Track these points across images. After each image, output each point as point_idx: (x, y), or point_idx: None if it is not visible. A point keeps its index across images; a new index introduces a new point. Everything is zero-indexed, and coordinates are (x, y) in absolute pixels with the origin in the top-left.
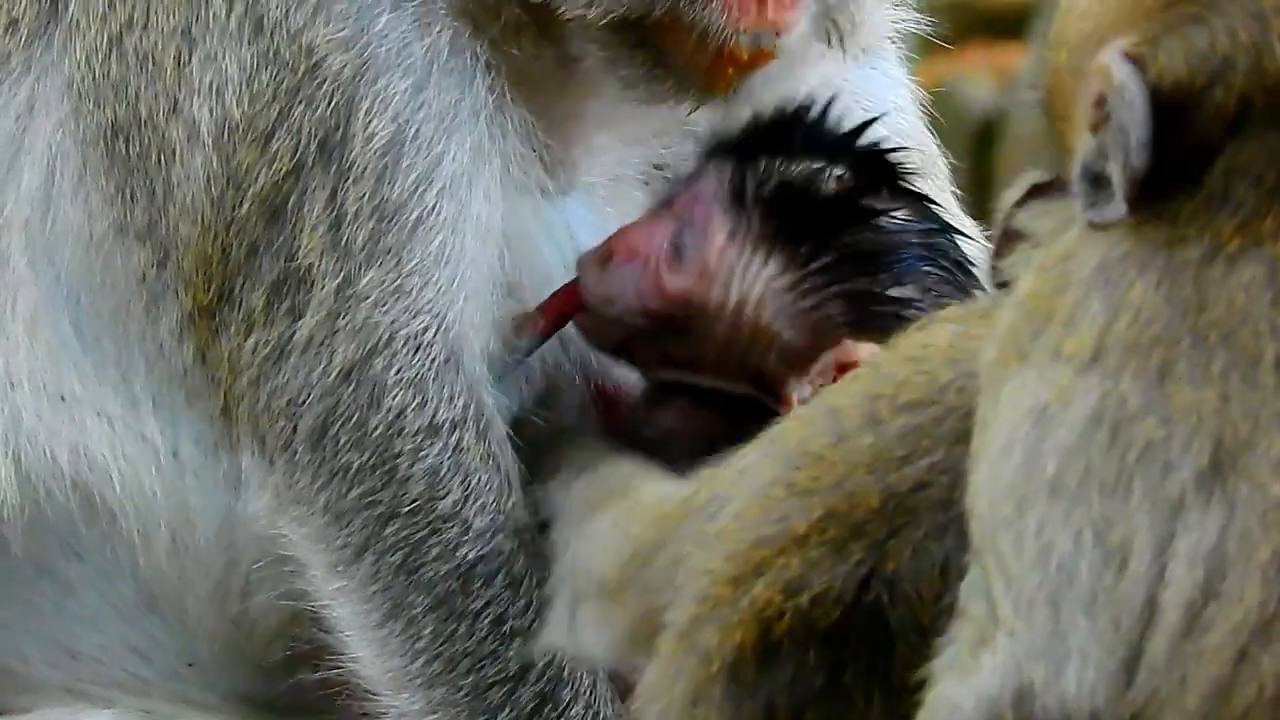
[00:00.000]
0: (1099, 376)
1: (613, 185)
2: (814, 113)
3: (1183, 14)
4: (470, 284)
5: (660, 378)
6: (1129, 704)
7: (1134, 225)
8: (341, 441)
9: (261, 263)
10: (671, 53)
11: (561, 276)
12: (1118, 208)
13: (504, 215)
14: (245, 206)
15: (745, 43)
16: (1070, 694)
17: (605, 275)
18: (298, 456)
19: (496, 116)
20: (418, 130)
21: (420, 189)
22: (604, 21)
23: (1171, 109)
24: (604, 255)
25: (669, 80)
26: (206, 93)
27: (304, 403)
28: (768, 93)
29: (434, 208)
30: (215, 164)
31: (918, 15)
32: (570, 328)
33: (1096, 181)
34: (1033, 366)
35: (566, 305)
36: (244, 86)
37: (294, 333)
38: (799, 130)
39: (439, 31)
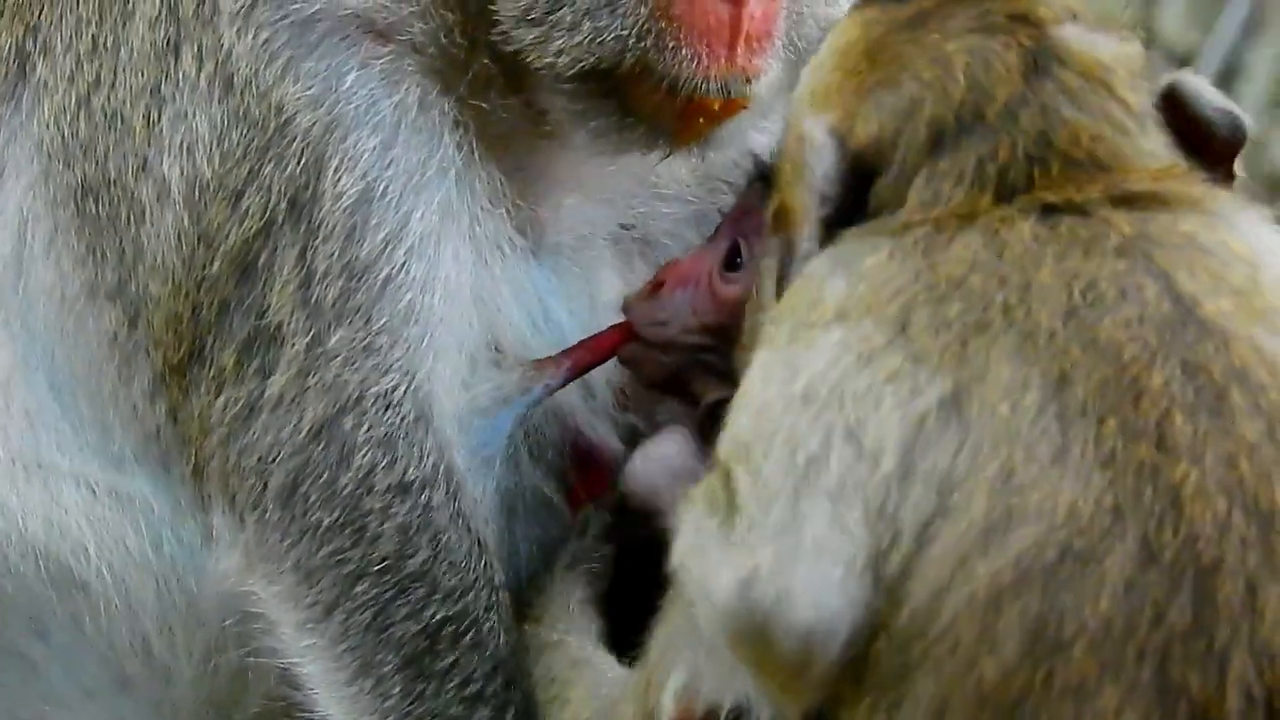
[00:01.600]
0: (843, 326)
1: (580, 245)
2: None
3: (873, 83)
4: (439, 343)
5: (715, 399)
6: (865, 607)
7: (855, 235)
8: (311, 499)
9: (232, 321)
10: (641, 103)
11: (530, 338)
12: (812, 246)
13: (472, 274)
14: (216, 264)
15: (715, 91)
16: (800, 584)
17: (656, 303)
18: (268, 514)
19: (465, 174)
20: (386, 188)
21: (389, 247)
22: (573, 71)
23: (873, 162)
24: (653, 287)
25: (638, 131)
26: (177, 151)
27: (274, 461)
28: (738, 143)
29: (403, 266)
30: (186, 222)
31: None
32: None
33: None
34: (780, 341)
35: (602, 346)
36: (214, 145)
37: (264, 391)
38: None
39: (407, 89)
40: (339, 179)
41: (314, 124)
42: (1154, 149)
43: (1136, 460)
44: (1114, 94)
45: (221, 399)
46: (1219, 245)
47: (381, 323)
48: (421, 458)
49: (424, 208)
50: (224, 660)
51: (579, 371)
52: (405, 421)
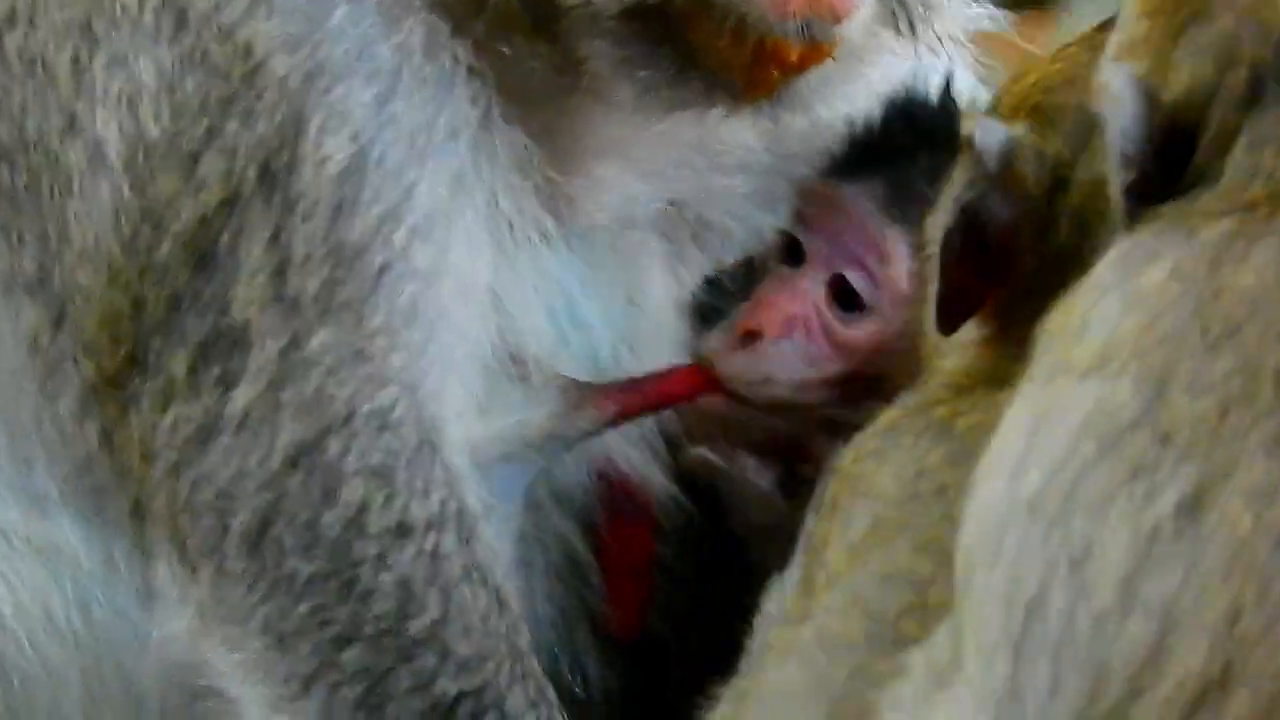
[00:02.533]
0: (1098, 382)
1: (620, 229)
2: (938, 90)
3: (1184, 19)
4: (448, 350)
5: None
6: None
7: (1150, 218)
8: (286, 544)
9: (185, 320)
10: (700, 48)
11: (555, 343)
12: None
13: (490, 264)
14: (165, 248)
15: (794, 35)
16: None
17: (754, 356)
18: (229, 564)
19: (482, 137)
20: (383, 153)
21: (386, 229)
22: (617, 10)
23: (1191, 119)
24: (744, 335)
25: (696, 83)
26: (114, 105)
27: (237, 496)
28: (823, 102)
29: (403, 252)
30: (126, 194)
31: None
32: None
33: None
34: (1036, 380)
35: (667, 394)
36: (163, 97)
37: (225, 407)
38: (927, 113)
39: (410, 29)
40: (323, 141)
41: (291, 71)
42: None
43: None
44: None
45: (170, 417)
46: None
47: (376, 323)
48: (427, 493)
49: (430, 179)
50: None
51: (626, 418)
52: (406, 447)
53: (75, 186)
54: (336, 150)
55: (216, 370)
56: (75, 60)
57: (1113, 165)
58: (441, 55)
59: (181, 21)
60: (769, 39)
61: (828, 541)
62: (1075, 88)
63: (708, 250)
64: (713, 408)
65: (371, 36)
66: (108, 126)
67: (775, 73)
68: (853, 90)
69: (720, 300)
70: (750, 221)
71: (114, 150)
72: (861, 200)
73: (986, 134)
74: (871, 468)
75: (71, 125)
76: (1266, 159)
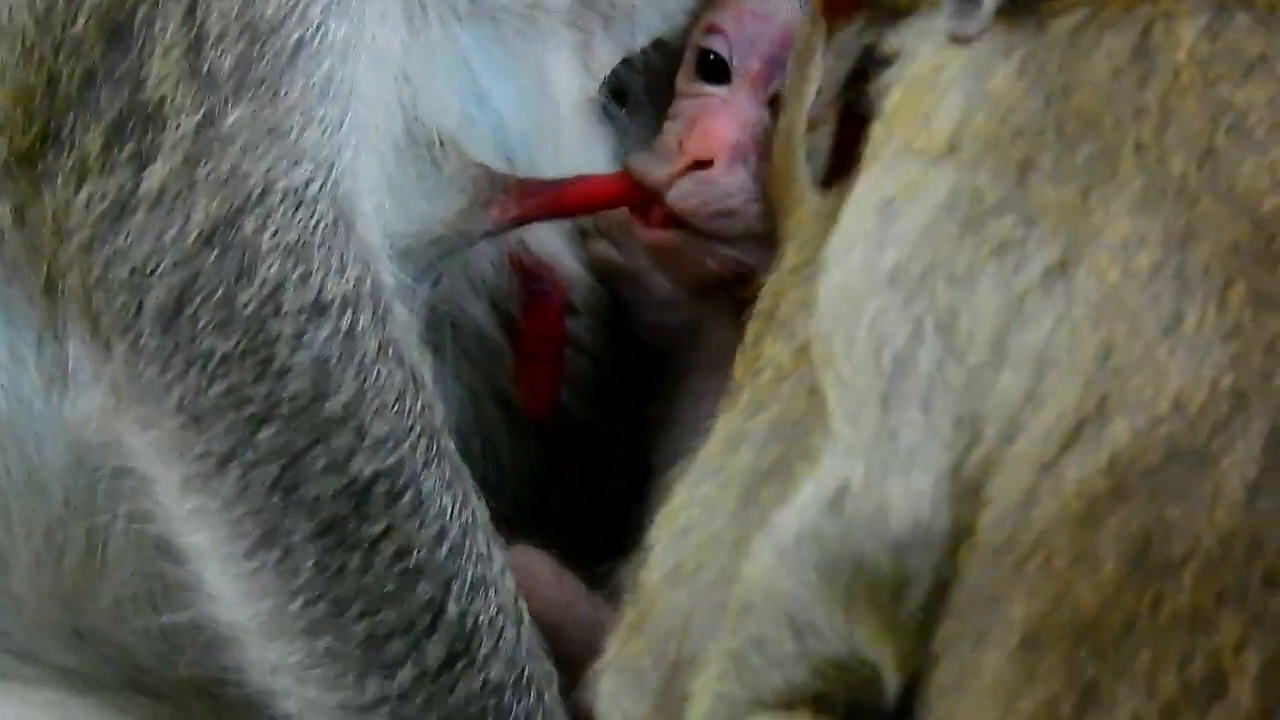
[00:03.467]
0: (953, 168)
1: (527, 13)
2: None
3: None
4: (363, 126)
5: None
6: (952, 518)
7: (1011, 15)
8: (201, 322)
9: (99, 95)
10: None
11: (465, 126)
12: (986, 12)
13: (402, 40)
14: (80, 23)
15: None
16: (895, 497)
17: (711, 187)
18: (143, 341)
19: None
20: None
21: (301, 3)
22: None
23: None
24: (694, 164)
25: None
26: None
27: (152, 272)
28: None
29: (319, 27)
30: None
31: None
32: None
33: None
34: (882, 165)
35: (587, 200)
36: None
37: (140, 183)
38: None
39: None
40: None
41: None
42: None
43: (1267, 335)
44: None
45: (84, 194)
46: None
47: (291, 99)
48: (342, 271)
49: None
50: (74, 534)
51: (538, 219)
52: (321, 225)
53: None
54: None
55: (131, 146)
56: None
57: None
58: None
59: None
60: None
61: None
62: None
63: (618, 38)
64: (668, 248)
65: None
66: None
67: None
68: None
69: (635, 82)
70: (665, 6)
71: None
72: (784, 6)
73: None
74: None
75: None
76: None
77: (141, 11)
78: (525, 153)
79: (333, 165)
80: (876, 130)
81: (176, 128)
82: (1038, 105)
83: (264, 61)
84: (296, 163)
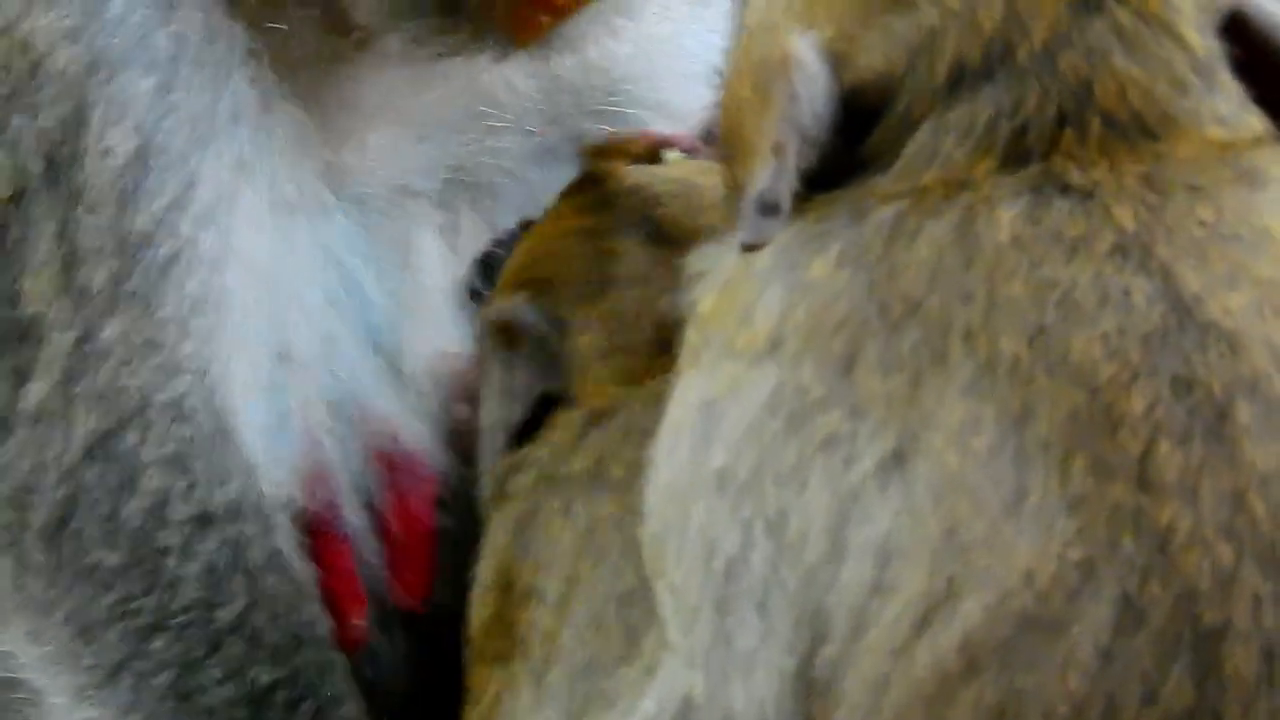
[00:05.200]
0: (775, 365)
1: (394, 196)
2: None
3: (880, 1)
4: (237, 335)
5: None
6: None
7: (818, 205)
8: (87, 536)
9: None
10: None
11: (331, 318)
12: (783, 216)
13: (270, 246)
14: None
15: None
16: (738, 703)
17: None
18: (29, 556)
19: (262, 119)
20: (166, 142)
21: (171, 217)
22: None
23: (874, 101)
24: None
25: (465, 30)
26: None
27: (35, 489)
28: (593, 43)
29: (189, 240)
30: None
31: None
32: None
33: (770, 209)
34: (702, 368)
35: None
36: None
37: (19, 401)
38: None
39: (185, 15)
40: (105, 132)
41: (71, 63)
42: (1220, 110)
43: (1111, 503)
44: (1177, 37)
45: None
46: (1254, 228)
47: (165, 312)
48: (225, 481)
49: (213, 165)
50: None
51: None
52: (201, 435)
53: None
54: (120, 141)
55: (9, 364)
56: None
57: (789, 143)
58: (219, 40)
59: None
60: None
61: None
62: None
63: (484, 214)
64: None
65: (149, 25)
66: None
67: (543, 17)
68: (621, 28)
69: (492, 282)
70: (527, 180)
71: None
72: None
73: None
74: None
75: None
76: (947, 145)
77: (14, 230)
78: (394, 337)
79: (209, 375)
80: (690, 335)
81: (52, 344)
82: (860, 294)
83: (136, 276)
84: (174, 375)
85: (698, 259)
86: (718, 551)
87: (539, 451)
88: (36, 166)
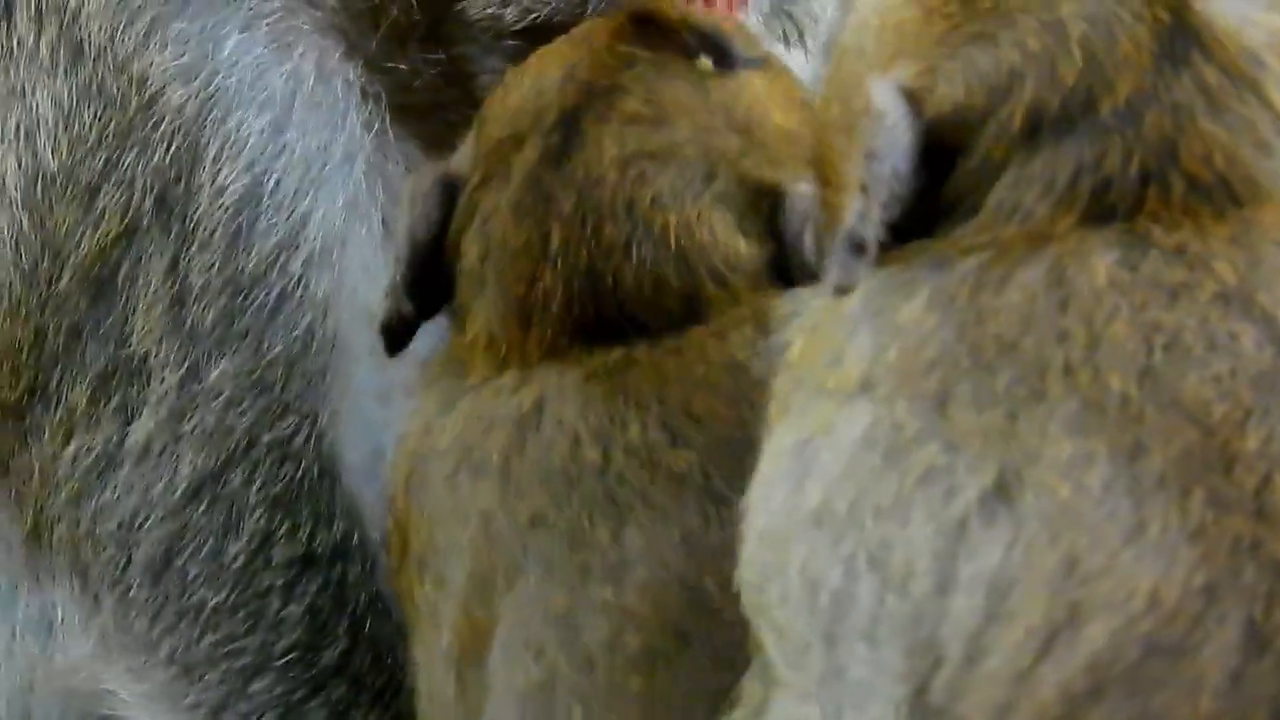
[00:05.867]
0: (868, 403)
1: None
2: None
3: (966, 34)
4: (345, 376)
5: None
6: None
7: (902, 255)
8: (191, 575)
9: (85, 350)
10: None
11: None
12: (869, 256)
13: (380, 287)
14: (65, 279)
15: None
16: None
17: None
18: (133, 593)
19: (375, 160)
20: (279, 182)
21: (283, 257)
22: (519, 26)
23: (954, 139)
24: None
25: None
26: (12, 138)
27: (140, 526)
28: None
29: (300, 280)
30: (25, 226)
31: None
32: None
33: (858, 250)
34: (793, 413)
35: None
36: (61, 129)
37: (126, 438)
38: None
39: (301, 54)
40: (219, 171)
41: (186, 101)
42: None
43: (1231, 534)
44: (1263, 97)
45: (71, 448)
46: None
47: (274, 352)
48: (329, 523)
49: (326, 206)
50: None
51: None
52: (307, 477)
53: None
54: (233, 180)
55: (117, 401)
56: None
57: (875, 195)
58: (334, 80)
59: (78, 54)
60: None
61: None
62: None
63: None
64: None
65: (263, 65)
66: (5, 160)
67: None
68: None
69: None
70: None
71: (12, 183)
72: None
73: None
74: None
75: None
76: (1028, 199)
77: (125, 267)
78: None
79: (318, 417)
80: (781, 383)
81: (161, 382)
82: (950, 336)
83: (246, 315)
84: (281, 415)
85: (789, 300)
86: (822, 587)
87: None
88: (148, 204)
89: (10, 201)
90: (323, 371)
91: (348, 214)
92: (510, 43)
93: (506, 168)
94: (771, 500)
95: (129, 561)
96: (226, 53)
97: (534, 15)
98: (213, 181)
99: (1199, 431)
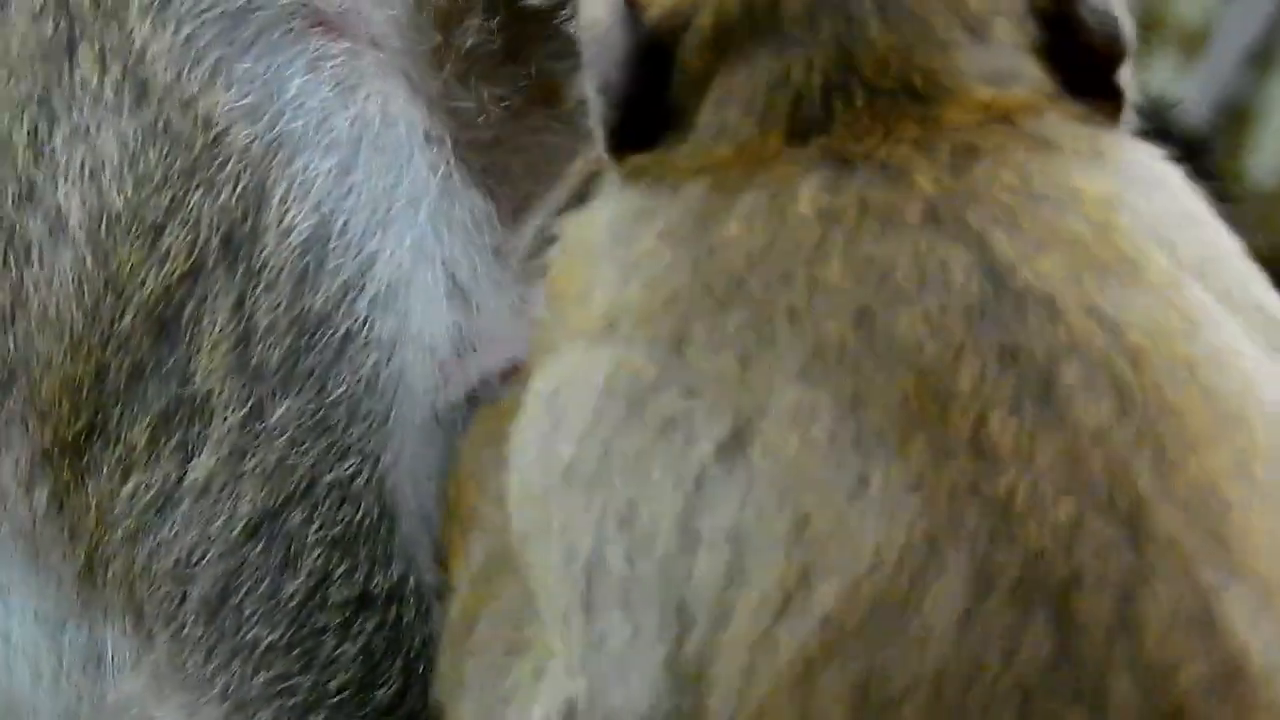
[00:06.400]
0: (610, 347)
1: None
2: None
3: None
4: (407, 418)
5: None
6: (678, 710)
7: (643, 170)
8: (246, 613)
9: (146, 388)
10: None
11: None
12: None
13: (448, 331)
14: (128, 318)
15: None
16: (618, 706)
17: None
18: (187, 630)
19: (440, 204)
20: (345, 223)
21: (348, 298)
22: None
23: (669, 41)
24: None
25: None
26: (76, 176)
27: (197, 563)
28: None
29: (365, 321)
30: (90, 264)
31: None
32: None
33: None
34: (551, 348)
35: None
36: (126, 168)
37: (186, 475)
38: None
39: (366, 97)
40: (286, 211)
41: (253, 141)
42: (995, 65)
43: (949, 481)
44: None
45: (130, 485)
46: (1062, 189)
47: (338, 393)
48: (386, 565)
49: (391, 247)
50: None
51: None
52: (366, 519)
53: (34, 255)
54: (299, 220)
55: (178, 439)
56: (33, 133)
57: (597, 102)
58: (399, 124)
59: (142, 94)
60: None
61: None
62: None
63: None
64: None
65: (329, 108)
66: (70, 198)
67: None
68: None
69: None
70: None
71: (76, 221)
72: None
73: None
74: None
75: (30, 195)
76: (731, 117)
77: (189, 306)
78: None
79: (379, 459)
80: (544, 318)
81: (224, 420)
82: (684, 271)
83: (311, 355)
84: (342, 457)
85: (561, 222)
86: (576, 553)
87: None
88: (214, 243)
89: (74, 240)
90: (385, 414)
91: (413, 256)
92: None
93: None
94: (527, 453)
95: (184, 598)
96: (291, 94)
97: None
98: (279, 222)
99: (914, 375)
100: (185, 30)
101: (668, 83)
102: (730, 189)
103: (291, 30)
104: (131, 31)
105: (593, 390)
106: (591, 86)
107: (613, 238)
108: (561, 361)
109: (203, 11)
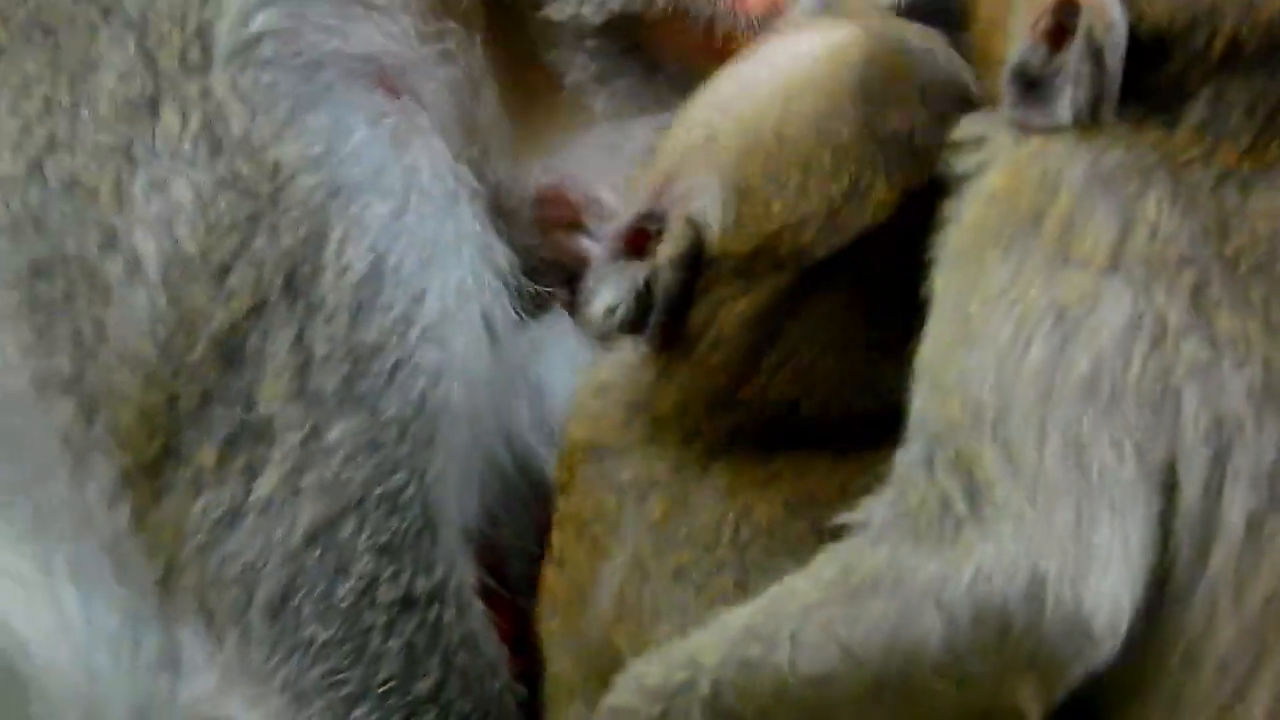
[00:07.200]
0: (1126, 286)
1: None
2: None
3: None
4: (450, 440)
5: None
6: (1161, 621)
7: (1119, 138)
8: (304, 613)
9: (214, 414)
10: (671, 50)
11: (529, 434)
12: (1060, 115)
13: (488, 363)
14: (198, 351)
15: (751, 28)
16: (1092, 596)
17: None
18: (252, 630)
19: (483, 249)
20: (398, 263)
21: (400, 330)
22: (600, 21)
23: (1156, 47)
24: None
25: (664, 84)
26: (152, 223)
27: (261, 570)
28: None
29: (414, 352)
30: (163, 304)
31: None
32: None
33: (1031, 85)
34: (1025, 258)
35: None
36: (199, 215)
37: (251, 493)
38: None
39: (417, 150)
40: (344, 252)
41: (316, 188)
42: None
43: None
44: None
45: (200, 503)
46: None
47: (389, 414)
48: (429, 570)
49: (439, 285)
50: None
51: None
52: (411, 528)
53: (113, 296)
54: (356, 259)
55: (243, 460)
56: (116, 182)
57: (1088, 67)
58: (445, 176)
59: (216, 147)
60: (732, 36)
61: None
62: None
63: None
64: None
65: (384, 158)
66: (146, 243)
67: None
68: None
69: None
70: None
71: (152, 265)
72: None
73: None
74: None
75: (110, 241)
76: (1235, 119)
77: (253, 339)
78: None
79: (424, 474)
80: (979, 209)
81: (285, 442)
82: (1197, 239)
83: (365, 381)
84: (391, 472)
85: (971, 124)
86: (1089, 456)
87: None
88: (277, 281)
89: (148, 282)
90: (430, 434)
91: (458, 293)
92: (590, 42)
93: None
94: (1028, 348)
95: (250, 602)
96: (351, 147)
97: (609, 6)
98: (337, 261)
99: None
100: (264, 79)
101: (1158, 67)
102: (1241, 185)
103: (357, 85)
104: (212, 85)
105: (1115, 321)
106: (1081, 58)
107: (1098, 182)
108: (1057, 279)
109: (281, 64)
